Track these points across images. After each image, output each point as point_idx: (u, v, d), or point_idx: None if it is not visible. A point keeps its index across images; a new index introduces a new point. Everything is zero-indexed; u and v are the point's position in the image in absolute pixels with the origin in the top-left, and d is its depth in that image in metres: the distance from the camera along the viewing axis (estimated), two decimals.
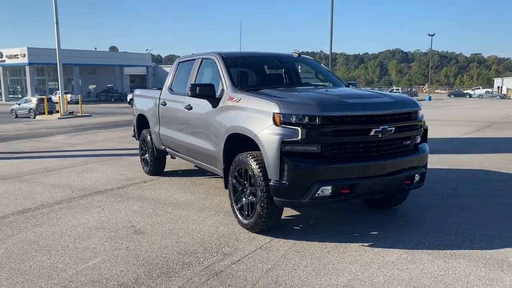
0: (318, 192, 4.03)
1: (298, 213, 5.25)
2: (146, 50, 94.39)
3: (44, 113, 29.33)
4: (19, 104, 31.48)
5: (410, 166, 4.51)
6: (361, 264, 3.76)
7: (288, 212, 5.18)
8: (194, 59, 6.12)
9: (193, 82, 5.82)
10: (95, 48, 63.51)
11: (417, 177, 4.63)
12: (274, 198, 4.17)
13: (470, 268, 3.64)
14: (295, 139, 4.01)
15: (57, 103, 32.13)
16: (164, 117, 6.66)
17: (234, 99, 4.80)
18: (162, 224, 4.90)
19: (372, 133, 4.15)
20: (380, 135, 4.19)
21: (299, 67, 6.27)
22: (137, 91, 8.10)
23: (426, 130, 4.91)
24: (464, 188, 6.35)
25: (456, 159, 8.74)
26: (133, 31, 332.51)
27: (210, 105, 5.16)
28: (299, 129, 4.00)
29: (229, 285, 3.40)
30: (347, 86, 5.85)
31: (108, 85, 61.51)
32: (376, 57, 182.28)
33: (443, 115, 23.15)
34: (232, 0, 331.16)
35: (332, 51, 33.21)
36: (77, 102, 49.07)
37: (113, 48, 64.38)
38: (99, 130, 17.15)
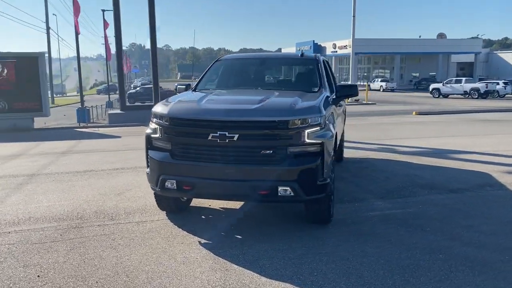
0: (166, 184, 4.66)
1: (236, 207, 5.65)
2: (477, 35, 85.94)
3: None
4: None
5: (266, 177, 4.37)
6: (152, 250, 4.29)
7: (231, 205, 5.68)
8: None
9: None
10: (419, 36, 63.12)
11: (284, 190, 4.37)
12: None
13: (207, 276, 3.67)
14: (156, 135, 4.77)
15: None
16: None
17: None
18: (143, 193, 6.36)
19: (209, 137, 4.39)
20: (218, 140, 4.36)
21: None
22: None
23: (319, 144, 4.45)
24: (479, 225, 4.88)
25: None
26: (463, 17, 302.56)
27: None
28: (158, 128, 4.74)
29: (61, 235, 4.74)
30: (318, 90, 5.52)
31: (430, 74, 60.52)
32: None
33: None
34: None
35: None
36: (392, 90, 51.22)
37: (441, 35, 62.38)
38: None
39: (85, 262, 4.04)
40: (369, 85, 53.80)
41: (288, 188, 4.35)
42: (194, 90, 5.87)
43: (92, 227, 4.96)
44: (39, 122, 18.04)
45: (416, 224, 5.01)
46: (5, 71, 15.79)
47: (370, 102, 31.40)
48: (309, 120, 4.41)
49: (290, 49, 74.22)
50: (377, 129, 14.38)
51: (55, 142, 12.58)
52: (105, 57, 58.69)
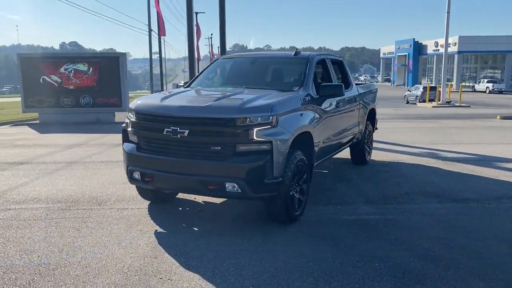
0: (134, 175, 5.03)
1: (217, 202, 5.83)
2: None
3: (432, 100, 30.62)
4: (409, 91, 34.28)
5: (214, 172, 4.51)
6: (108, 234, 4.66)
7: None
8: None
9: None
10: None
11: (232, 187, 4.46)
12: None
13: (132, 261, 3.94)
14: (128, 129, 5.16)
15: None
16: None
17: None
18: None
19: (164, 132, 4.65)
20: (171, 135, 4.60)
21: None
22: None
23: (268, 142, 4.47)
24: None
25: None
26: None
27: None
28: (129, 122, 5.13)
29: (46, 214, 5.32)
30: (297, 89, 5.46)
31: None
32: None
33: None
34: None
35: None
36: (500, 92, 46.90)
37: None
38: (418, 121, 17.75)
39: (45, 239, 4.53)
40: (473, 87, 49.92)
41: (235, 185, 4.44)
42: (186, 87, 6.16)
43: (77, 210, 5.49)
44: (121, 117, 19.69)
45: (383, 232, 4.77)
46: (91, 69, 17.52)
47: (463, 105, 29.08)
48: (259, 118, 4.45)
49: (390, 47, 71.56)
50: (441, 132, 13.43)
51: (119, 134, 13.70)
52: (209, 57, 62.23)
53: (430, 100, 30.80)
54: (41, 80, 17.42)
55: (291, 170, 4.74)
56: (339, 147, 6.79)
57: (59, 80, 17.53)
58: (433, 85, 34.85)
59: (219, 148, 4.48)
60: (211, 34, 68.39)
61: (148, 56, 41.61)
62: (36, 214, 5.32)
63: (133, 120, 4.95)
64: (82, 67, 17.51)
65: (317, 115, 5.47)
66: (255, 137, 4.41)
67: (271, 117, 4.49)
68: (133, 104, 5.10)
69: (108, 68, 17.62)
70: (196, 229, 4.88)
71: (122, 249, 4.29)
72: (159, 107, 4.84)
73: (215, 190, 4.55)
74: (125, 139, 5.18)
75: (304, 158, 5.06)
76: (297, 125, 4.90)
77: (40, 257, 4.10)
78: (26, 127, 16.00)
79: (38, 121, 17.58)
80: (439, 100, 29.75)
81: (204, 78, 6.40)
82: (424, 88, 32.48)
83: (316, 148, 5.48)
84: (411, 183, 6.82)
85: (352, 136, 7.23)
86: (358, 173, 7.57)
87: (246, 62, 6.62)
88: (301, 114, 5.11)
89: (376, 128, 9.12)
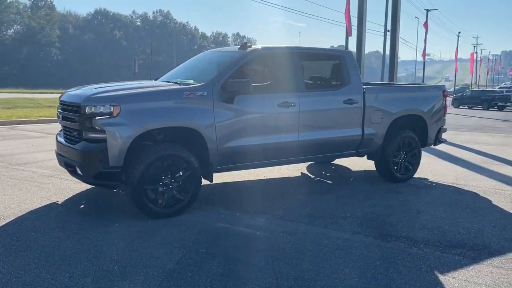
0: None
1: None
2: None
3: None
4: None
5: (69, 156, 4.97)
6: (34, 196, 5.52)
7: None
8: None
9: None
10: None
11: (78, 170, 4.83)
12: None
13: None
14: None
15: None
16: None
17: None
18: None
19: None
20: (60, 119, 5.27)
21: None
22: None
23: (103, 131, 4.58)
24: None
25: None
26: None
27: None
28: None
29: (32, 177, 6.60)
30: (204, 82, 5.17)
31: None
32: None
33: None
34: None
35: None
36: None
37: None
38: None
39: None
40: None
41: (79, 169, 4.77)
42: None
43: (53, 177, 6.54)
44: None
45: (215, 244, 4.21)
46: None
47: None
48: (101, 108, 4.63)
49: None
50: None
51: None
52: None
53: None
54: None
55: (146, 164, 4.65)
56: (307, 152, 5.88)
57: None
58: None
59: (76, 133, 4.89)
60: (459, 32, 61.41)
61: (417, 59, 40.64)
62: (26, 176, 6.65)
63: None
64: None
65: (221, 112, 5.09)
66: (94, 126, 4.61)
67: (111, 108, 4.58)
68: None
69: None
70: (82, 207, 5.32)
71: (8, 209, 5.05)
72: (64, 93, 5.44)
73: (72, 172, 5.03)
74: None
75: (186, 156, 4.86)
76: (157, 119, 4.80)
77: None
78: None
79: None
80: None
81: (173, 72, 6.49)
82: None
83: (217, 148, 5.07)
84: (389, 209, 5.42)
85: (341, 142, 6.12)
86: (361, 190, 6.35)
87: (203, 57, 6.56)
88: (180, 109, 4.94)
89: (441, 141, 7.29)
